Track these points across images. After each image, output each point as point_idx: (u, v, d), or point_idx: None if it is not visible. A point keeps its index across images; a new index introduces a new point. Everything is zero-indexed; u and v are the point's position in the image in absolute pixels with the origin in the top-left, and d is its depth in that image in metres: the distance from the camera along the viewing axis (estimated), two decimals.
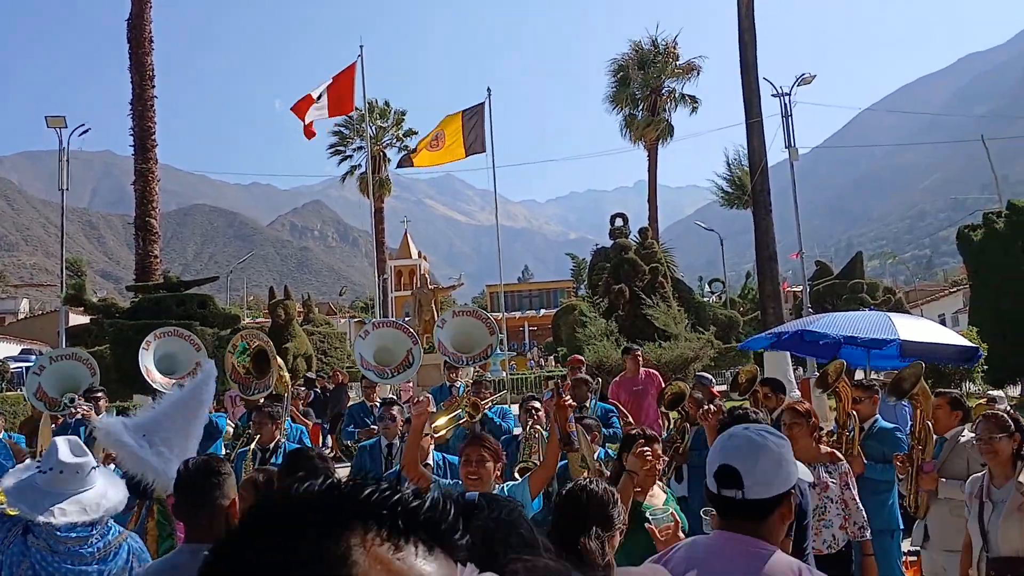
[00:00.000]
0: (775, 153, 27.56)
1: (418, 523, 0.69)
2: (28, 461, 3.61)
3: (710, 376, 9.99)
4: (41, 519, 3.06)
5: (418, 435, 4.65)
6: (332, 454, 16.09)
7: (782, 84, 26.15)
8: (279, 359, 7.99)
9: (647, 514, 3.77)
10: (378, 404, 10.03)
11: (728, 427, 4.59)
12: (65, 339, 24.84)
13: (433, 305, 22.82)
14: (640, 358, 9.62)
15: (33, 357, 38.69)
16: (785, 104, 25.91)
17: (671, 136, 45.41)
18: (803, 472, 3.58)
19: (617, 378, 9.46)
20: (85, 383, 9.20)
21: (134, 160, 29.98)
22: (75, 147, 26.20)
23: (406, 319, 39.07)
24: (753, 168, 26.82)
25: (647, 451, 4.44)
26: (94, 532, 3.18)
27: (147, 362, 9.06)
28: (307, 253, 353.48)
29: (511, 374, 28.54)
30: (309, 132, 22.32)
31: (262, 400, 8.14)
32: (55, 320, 38.64)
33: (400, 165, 24.67)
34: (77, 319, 32.29)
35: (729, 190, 45.99)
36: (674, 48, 45.00)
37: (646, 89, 44.71)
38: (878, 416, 6.69)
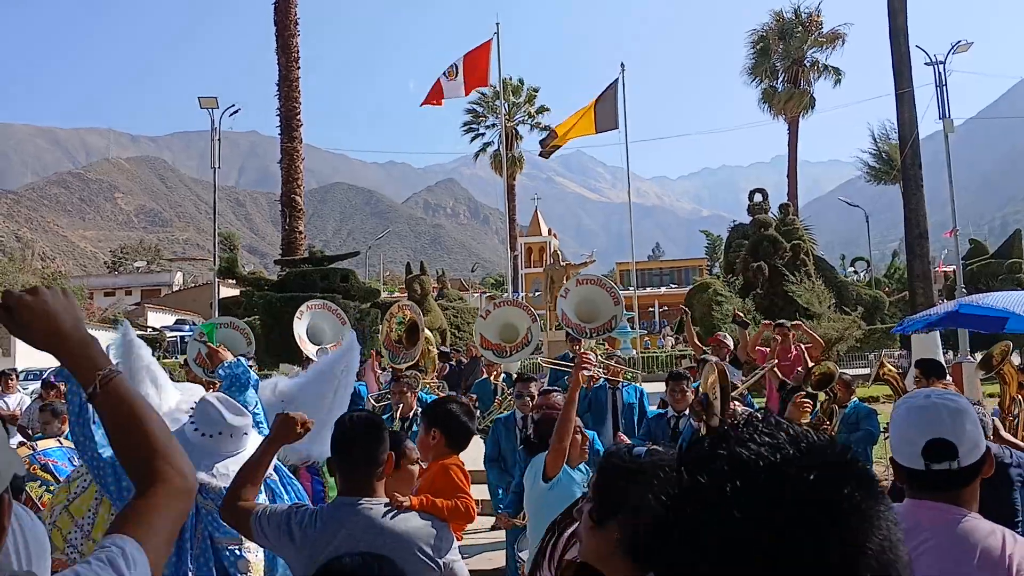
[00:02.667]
0: (925, 125, 26.17)
1: None
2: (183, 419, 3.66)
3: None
4: (218, 483, 3.08)
5: (576, 390, 4.27)
6: None
7: (936, 52, 24.79)
8: (428, 333, 8.20)
9: None
10: (502, 380, 10.09)
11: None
12: (217, 310, 26.25)
13: (565, 281, 22.87)
14: (788, 334, 9.27)
15: (187, 327, 41.10)
16: (939, 73, 24.52)
17: (813, 109, 43.84)
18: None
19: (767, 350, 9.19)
20: (241, 350, 9.66)
21: (280, 139, 31.19)
22: (224, 127, 27.54)
23: (536, 295, 39.36)
24: (903, 141, 25.47)
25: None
26: None
27: (300, 331, 9.47)
28: (440, 230, 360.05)
29: (643, 352, 28.31)
30: (435, 101, 22.63)
31: (404, 369, 8.39)
32: (207, 292, 40.91)
33: (544, 154, 24.69)
34: (227, 291, 34.04)
35: (875, 165, 44.01)
36: (817, 17, 43.28)
37: (787, 60, 43.24)
38: None
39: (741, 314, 11.18)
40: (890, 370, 8.33)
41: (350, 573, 1.97)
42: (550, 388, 7.31)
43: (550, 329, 21.23)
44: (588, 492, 1.93)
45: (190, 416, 3.40)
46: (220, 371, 3.98)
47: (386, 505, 2.97)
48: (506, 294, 29.65)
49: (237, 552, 3.15)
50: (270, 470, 3.43)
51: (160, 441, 1.51)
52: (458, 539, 3.26)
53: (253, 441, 3.33)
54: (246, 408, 3.64)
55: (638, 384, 8.97)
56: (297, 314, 9.75)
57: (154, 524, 1.43)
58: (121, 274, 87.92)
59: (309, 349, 9.32)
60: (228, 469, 3.13)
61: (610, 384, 8.39)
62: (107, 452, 3.29)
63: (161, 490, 1.46)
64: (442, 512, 3.16)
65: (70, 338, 1.52)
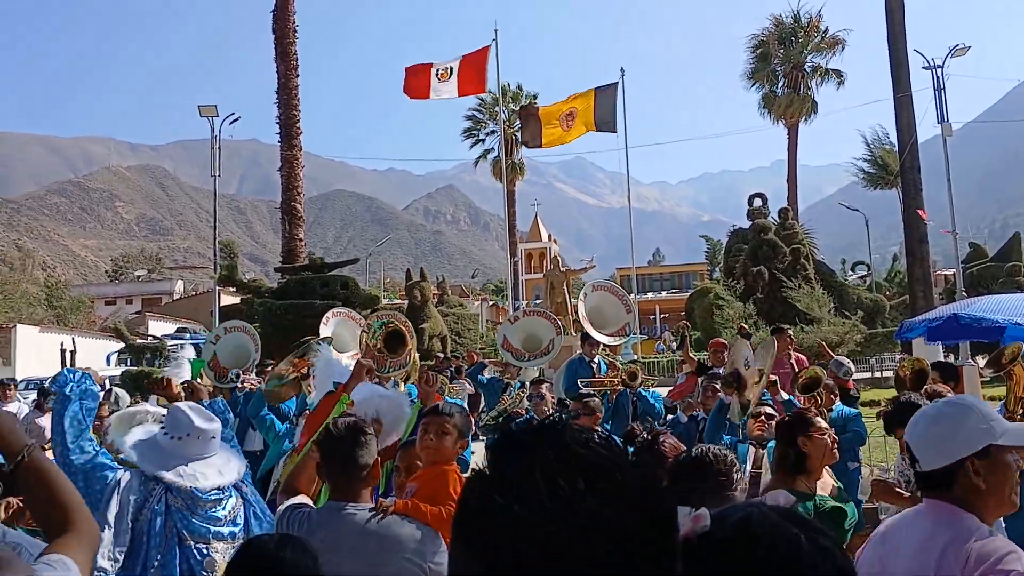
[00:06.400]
0: (924, 129, 26.15)
1: None
2: (149, 426, 3.73)
3: (849, 363, 9.29)
4: (184, 482, 3.20)
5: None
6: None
7: (934, 56, 24.83)
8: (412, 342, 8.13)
9: None
10: (516, 383, 10.13)
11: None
12: (218, 318, 26.21)
13: (565, 287, 22.85)
14: (791, 339, 9.21)
15: (188, 335, 41.11)
16: (937, 77, 24.55)
17: (815, 113, 43.89)
18: None
19: None
20: (252, 356, 9.77)
21: (280, 147, 31.22)
22: (224, 136, 27.56)
23: (536, 301, 39.33)
24: (902, 145, 25.55)
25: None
26: (224, 495, 3.33)
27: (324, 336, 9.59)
28: (440, 237, 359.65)
29: (643, 357, 28.26)
30: (421, 95, 22.52)
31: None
32: (208, 300, 40.87)
33: (529, 146, 24.64)
34: (228, 299, 34.02)
35: (871, 171, 44.11)
36: (817, 22, 43.36)
37: (787, 65, 43.33)
38: None
39: (745, 326, 11.23)
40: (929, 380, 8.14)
41: (266, 549, 2.24)
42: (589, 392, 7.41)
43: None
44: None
45: (162, 422, 3.51)
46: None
47: (371, 509, 3.03)
48: (519, 304, 29.66)
49: (204, 551, 3.21)
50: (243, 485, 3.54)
51: (74, 498, 1.88)
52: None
53: (223, 452, 3.47)
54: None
55: (655, 390, 9.18)
56: (323, 320, 9.84)
57: (84, 554, 1.79)
58: (122, 283, 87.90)
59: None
60: (195, 471, 3.26)
61: (627, 387, 8.55)
62: (79, 459, 3.35)
63: (80, 530, 1.83)
64: (426, 517, 3.17)
65: None
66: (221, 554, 3.20)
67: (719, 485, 2.94)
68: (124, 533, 3.17)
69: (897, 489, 4.92)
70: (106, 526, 3.13)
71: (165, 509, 3.21)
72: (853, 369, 9.61)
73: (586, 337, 10.27)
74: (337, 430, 3.11)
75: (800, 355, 9.21)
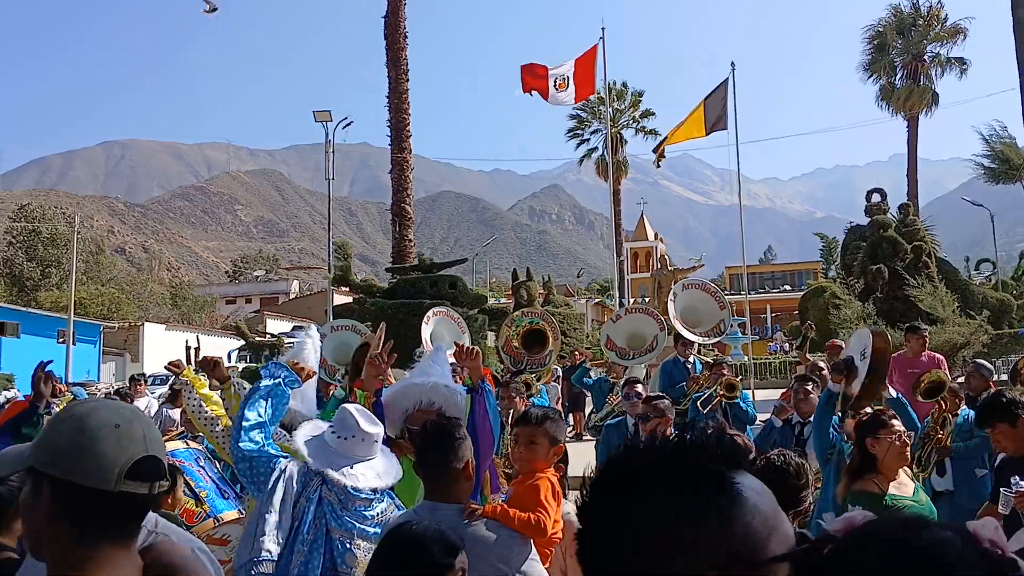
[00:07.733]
0: None
1: None
2: (317, 422, 3.90)
3: (990, 366, 8.86)
4: (345, 481, 3.35)
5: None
6: (573, 432, 16.36)
7: None
8: (554, 344, 8.09)
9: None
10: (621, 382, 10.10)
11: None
12: (332, 316, 26.93)
13: (672, 286, 22.57)
14: (927, 339, 8.84)
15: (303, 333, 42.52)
16: None
17: (936, 105, 42.09)
18: None
19: (895, 354, 8.63)
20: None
21: (390, 150, 31.78)
22: (337, 140, 28.27)
23: (644, 300, 38.95)
24: None
25: (896, 426, 4.14)
26: (375, 496, 3.44)
27: (425, 335, 9.77)
28: (545, 236, 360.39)
29: (755, 359, 27.64)
30: (534, 89, 22.50)
31: (507, 377, 8.44)
32: (322, 299, 42.10)
33: (656, 162, 24.51)
34: (341, 299, 34.99)
35: (992, 165, 41.98)
36: (938, 10, 41.54)
37: (906, 56, 41.67)
38: None
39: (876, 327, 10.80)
40: None
41: (413, 534, 2.38)
42: (658, 393, 7.26)
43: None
44: None
45: (331, 423, 3.69)
46: None
47: (459, 512, 3.10)
48: (626, 303, 29.43)
49: (347, 545, 3.34)
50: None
51: None
52: (544, 557, 3.32)
53: (383, 453, 3.60)
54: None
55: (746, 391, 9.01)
56: (424, 319, 10.00)
57: None
58: (241, 283, 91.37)
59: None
60: (358, 471, 3.41)
61: (727, 399, 8.37)
62: (247, 446, 3.59)
63: None
64: (512, 523, 3.20)
65: None
66: (364, 552, 3.32)
67: (795, 491, 3.07)
68: (287, 519, 3.37)
69: None
70: (271, 510, 3.36)
71: (318, 501, 3.39)
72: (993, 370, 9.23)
73: (679, 337, 10.16)
74: (427, 434, 3.21)
75: (937, 355, 8.83)
